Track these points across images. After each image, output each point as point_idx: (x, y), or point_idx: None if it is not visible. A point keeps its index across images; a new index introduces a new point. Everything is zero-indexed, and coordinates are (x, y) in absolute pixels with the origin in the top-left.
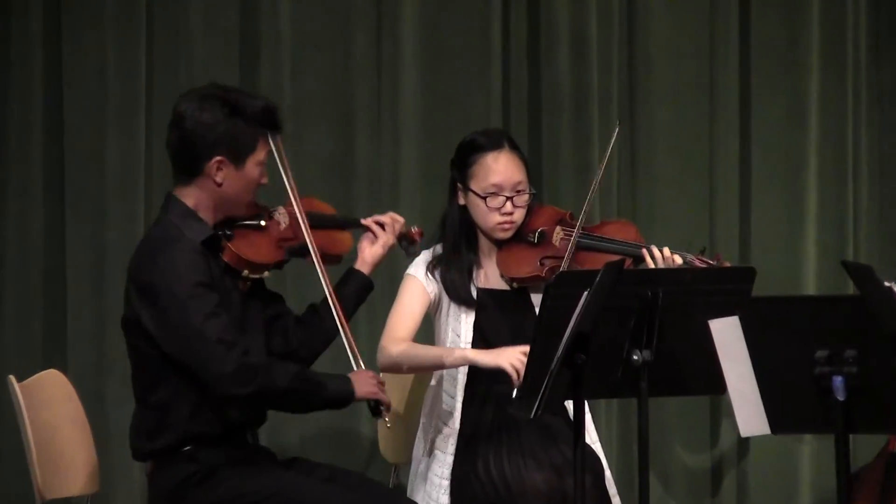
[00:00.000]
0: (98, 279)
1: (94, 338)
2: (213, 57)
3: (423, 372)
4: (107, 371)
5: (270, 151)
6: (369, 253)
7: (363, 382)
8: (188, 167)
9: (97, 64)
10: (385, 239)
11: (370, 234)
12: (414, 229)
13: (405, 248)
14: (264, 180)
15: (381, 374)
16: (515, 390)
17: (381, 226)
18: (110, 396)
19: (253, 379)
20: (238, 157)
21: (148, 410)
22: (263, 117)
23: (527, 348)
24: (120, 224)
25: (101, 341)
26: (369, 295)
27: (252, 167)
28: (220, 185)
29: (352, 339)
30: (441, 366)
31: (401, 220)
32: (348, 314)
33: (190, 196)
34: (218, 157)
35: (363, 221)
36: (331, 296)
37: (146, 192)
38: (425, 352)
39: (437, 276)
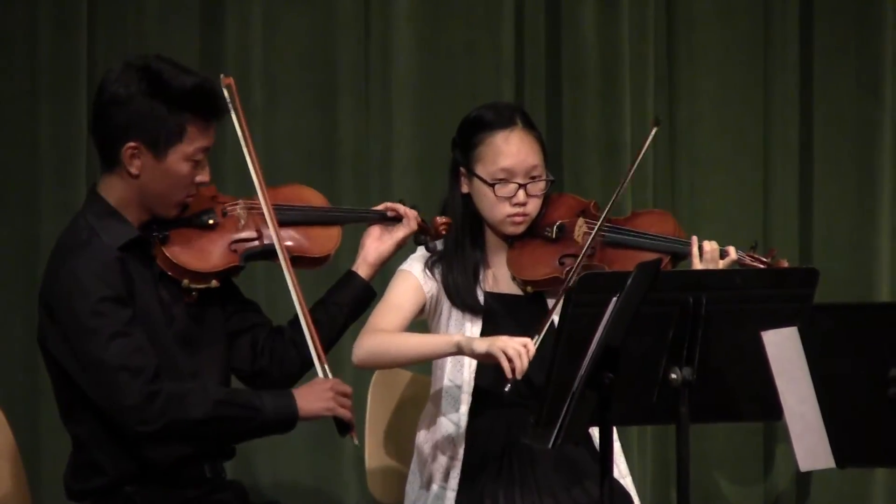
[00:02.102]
0: (29, 283)
1: (25, 354)
2: (169, 12)
3: (405, 364)
4: (41, 394)
5: (208, 148)
6: (373, 251)
7: (315, 397)
8: (105, 153)
9: (26, 18)
10: (399, 234)
11: (377, 229)
12: (440, 219)
13: (423, 242)
14: (201, 178)
15: (349, 378)
16: (508, 385)
17: (395, 218)
18: (45, 424)
19: (160, 412)
20: (157, 146)
21: (76, 444)
22: (192, 100)
23: (527, 340)
24: (55, 217)
25: (34, 359)
26: (370, 303)
27: (177, 161)
28: (136, 176)
29: (317, 340)
30: (426, 356)
31: (417, 214)
32: (340, 326)
33: (113, 190)
34: (131, 143)
35: (374, 209)
36: (299, 304)
37: (88, 178)
38: (406, 340)
39: (437, 275)
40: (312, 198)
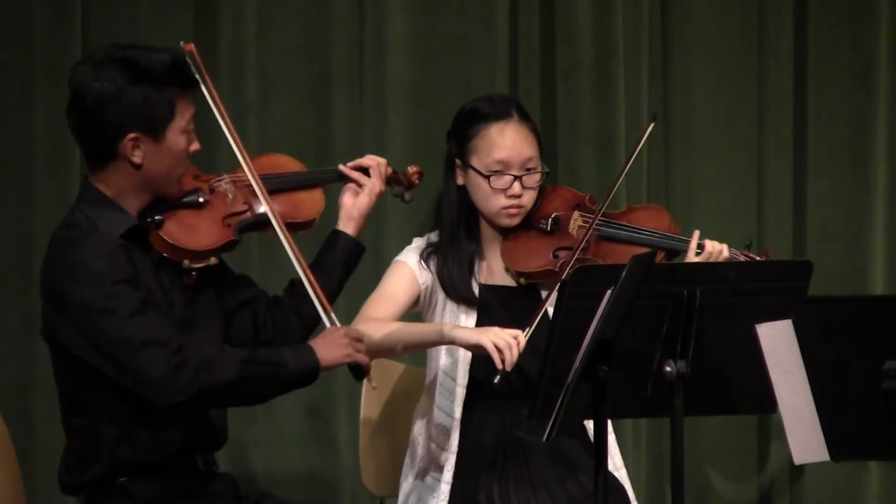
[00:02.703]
0: (24, 276)
1: (20, 347)
2: (163, 6)
3: (397, 353)
4: (35, 386)
5: (193, 114)
6: (353, 205)
7: (332, 345)
8: (100, 152)
9: (20, 12)
10: (371, 185)
11: (353, 185)
12: (411, 169)
13: (399, 194)
14: (194, 147)
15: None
16: (497, 377)
17: (364, 170)
18: (39, 416)
19: (191, 380)
20: (155, 130)
21: (72, 436)
22: (174, 74)
23: (518, 332)
24: (50, 210)
25: (28, 351)
26: (361, 258)
27: (175, 137)
28: (139, 166)
29: (319, 290)
30: (417, 344)
31: (383, 161)
32: (336, 285)
33: (108, 182)
34: (131, 135)
35: (341, 169)
36: (298, 263)
37: (82, 172)
38: (398, 328)
39: (432, 266)
40: (289, 164)
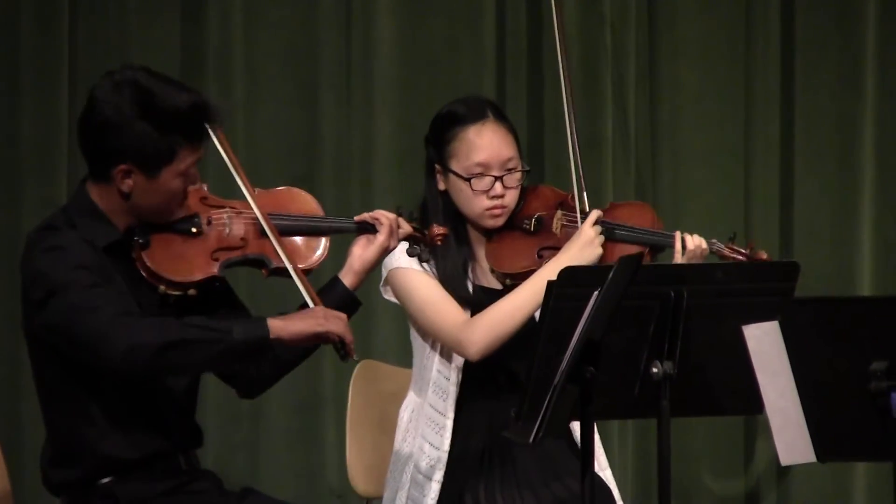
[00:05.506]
0: (11, 277)
1: (7, 347)
2: (151, 6)
3: (524, 323)
4: (23, 387)
5: (199, 159)
6: (357, 258)
7: (303, 317)
8: (94, 167)
9: (8, 13)
10: (381, 240)
11: (363, 238)
12: (437, 229)
13: (417, 254)
14: (193, 186)
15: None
16: None
17: (376, 224)
18: (27, 417)
19: (126, 336)
20: (149, 168)
21: (53, 434)
22: (186, 121)
23: None
24: (38, 211)
25: (16, 351)
26: (355, 313)
27: (170, 178)
28: (127, 195)
29: (303, 276)
30: (534, 305)
31: (393, 216)
32: None
33: (101, 196)
34: (123, 166)
35: (357, 219)
36: (301, 283)
37: (69, 173)
38: (510, 301)
39: (432, 269)
40: (304, 204)
